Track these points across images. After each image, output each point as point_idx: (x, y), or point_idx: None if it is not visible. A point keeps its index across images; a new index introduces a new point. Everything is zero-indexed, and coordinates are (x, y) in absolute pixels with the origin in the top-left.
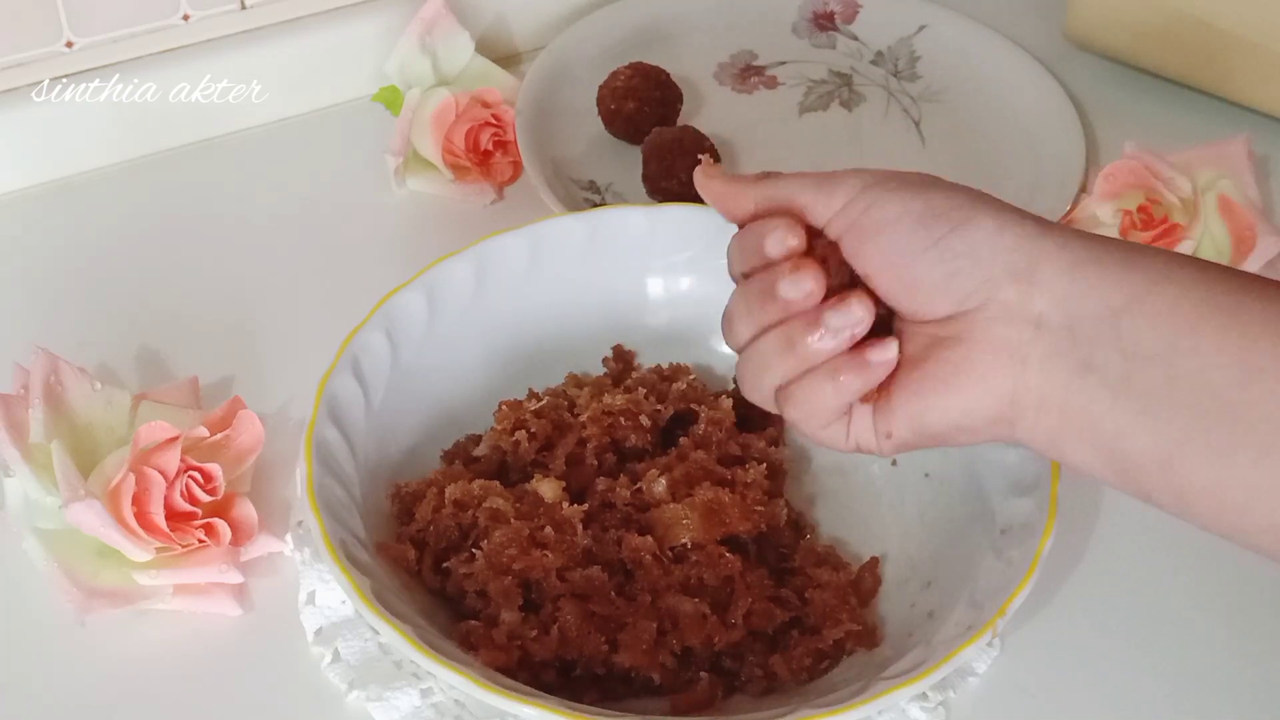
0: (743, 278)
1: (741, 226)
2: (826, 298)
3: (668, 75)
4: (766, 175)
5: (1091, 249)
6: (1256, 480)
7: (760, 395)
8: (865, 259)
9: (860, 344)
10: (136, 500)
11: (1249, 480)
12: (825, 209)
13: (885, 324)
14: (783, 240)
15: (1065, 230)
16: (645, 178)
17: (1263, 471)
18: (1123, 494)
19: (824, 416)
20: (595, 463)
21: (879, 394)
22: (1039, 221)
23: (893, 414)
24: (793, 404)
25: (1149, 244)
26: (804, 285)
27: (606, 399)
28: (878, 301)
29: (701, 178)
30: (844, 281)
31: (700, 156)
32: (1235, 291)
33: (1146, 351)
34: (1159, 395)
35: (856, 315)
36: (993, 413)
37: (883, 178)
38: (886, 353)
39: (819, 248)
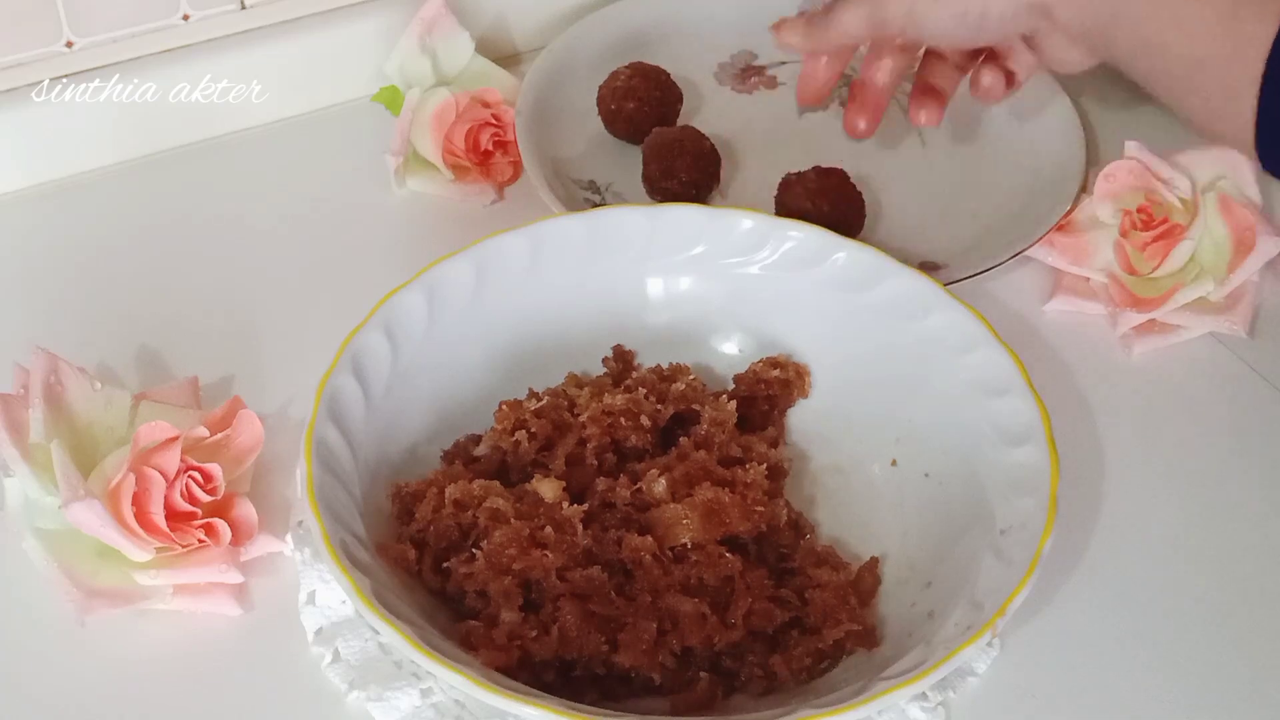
0: None
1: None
2: None
3: (668, 75)
4: None
5: None
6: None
7: None
8: None
9: None
10: (136, 500)
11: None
12: None
13: None
14: None
15: None
16: (645, 178)
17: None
18: (1123, 494)
19: None
20: (595, 463)
21: None
22: None
23: None
24: None
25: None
26: None
27: (606, 399)
28: None
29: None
30: None
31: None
32: None
33: None
34: None
35: None
36: None
37: None
38: None
39: None
